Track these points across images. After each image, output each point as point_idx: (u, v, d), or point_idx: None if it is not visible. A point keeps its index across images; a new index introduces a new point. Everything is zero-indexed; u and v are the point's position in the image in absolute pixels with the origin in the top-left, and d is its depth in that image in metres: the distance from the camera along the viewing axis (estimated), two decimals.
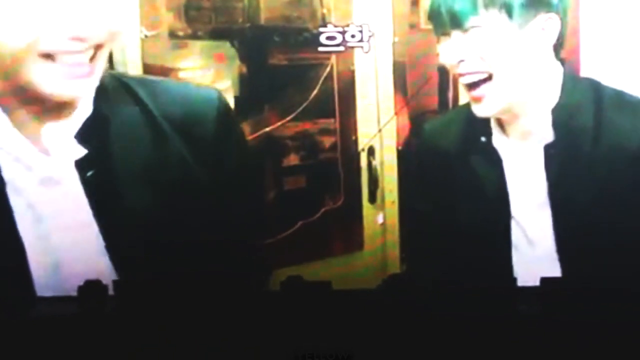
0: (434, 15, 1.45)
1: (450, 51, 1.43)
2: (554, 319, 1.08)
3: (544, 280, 1.24)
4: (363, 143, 2.19)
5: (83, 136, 1.02)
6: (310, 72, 2.14)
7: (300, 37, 2.09)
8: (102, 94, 1.04)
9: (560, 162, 1.44)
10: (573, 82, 1.48)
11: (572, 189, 1.45)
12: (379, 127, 2.18)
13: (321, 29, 1.98)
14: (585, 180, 1.43)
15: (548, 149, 1.45)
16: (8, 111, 0.96)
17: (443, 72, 2.20)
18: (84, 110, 1.02)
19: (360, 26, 1.97)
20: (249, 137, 2.05)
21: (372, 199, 2.20)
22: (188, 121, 1.08)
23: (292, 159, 2.17)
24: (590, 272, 1.40)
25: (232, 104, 2.08)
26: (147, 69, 1.93)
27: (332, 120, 2.19)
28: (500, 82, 1.41)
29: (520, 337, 1.04)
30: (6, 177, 1.03)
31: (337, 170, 2.21)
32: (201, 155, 1.06)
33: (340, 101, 2.18)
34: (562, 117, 1.44)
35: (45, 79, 0.88)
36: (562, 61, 1.49)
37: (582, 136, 1.44)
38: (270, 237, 1.90)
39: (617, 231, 1.41)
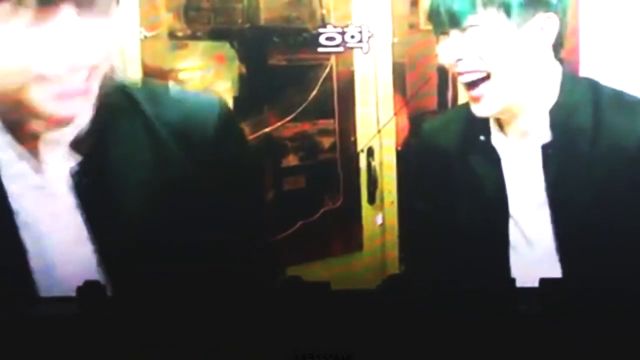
0: (433, 15, 1.45)
1: (449, 50, 1.43)
2: (553, 319, 1.08)
3: (543, 280, 1.24)
4: (362, 144, 2.19)
5: (78, 145, 1.02)
6: (309, 72, 2.14)
7: (299, 37, 2.09)
8: (101, 101, 1.03)
9: (558, 161, 1.45)
10: (572, 82, 1.48)
11: (570, 189, 1.45)
12: (378, 127, 2.19)
13: (320, 30, 1.98)
14: (583, 180, 1.43)
15: (546, 148, 1.45)
16: (8, 127, 0.96)
17: (442, 72, 2.20)
18: (81, 122, 1.01)
19: (360, 27, 1.97)
20: (249, 138, 2.05)
21: (372, 199, 2.20)
22: (188, 128, 1.07)
23: (292, 160, 2.17)
24: (589, 271, 1.40)
25: (231, 104, 2.08)
26: (147, 69, 1.93)
27: (331, 120, 2.19)
28: (498, 82, 1.41)
29: (520, 337, 1.04)
30: (7, 187, 1.02)
31: (337, 170, 2.21)
32: (201, 161, 1.06)
33: (340, 102, 2.18)
34: (560, 117, 1.44)
35: (41, 99, 0.87)
36: (561, 61, 1.49)
37: (580, 136, 1.44)
38: (270, 237, 1.90)
39: (616, 231, 1.41)
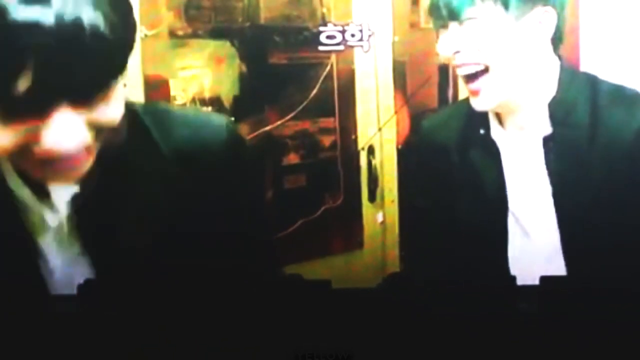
0: (433, 9, 1.45)
1: (448, 43, 1.44)
2: (553, 317, 1.08)
3: (543, 278, 1.25)
4: (363, 142, 2.19)
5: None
6: (310, 71, 2.14)
7: (300, 36, 2.10)
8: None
9: (558, 155, 1.45)
10: (570, 76, 1.48)
11: (570, 184, 1.45)
12: (378, 126, 2.19)
13: (321, 28, 1.98)
14: (583, 175, 1.44)
15: (545, 142, 1.45)
16: (13, 163, 0.95)
17: (443, 71, 2.20)
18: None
19: (360, 25, 1.97)
20: (249, 136, 2.05)
21: (372, 197, 2.21)
22: (195, 153, 1.05)
23: (292, 158, 2.17)
24: (590, 267, 1.40)
25: (232, 103, 2.09)
26: (147, 68, 1.93)
27: (332, 119, 2.19)
28: (497, 75, 1.42)
29: (521, 336, 1.04)
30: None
31: (337, 169, 2.21)
32: (207, 187, 1.04)
33: (340, 100, 2.19)
34: (559, 111, 1.45)
35: (42, 136, 0.86)
36: (560, 55, 1.49)
37: (579, 130, 1.44)
38: (270, 236, 1.90)
39: (618, 226, 1.41)
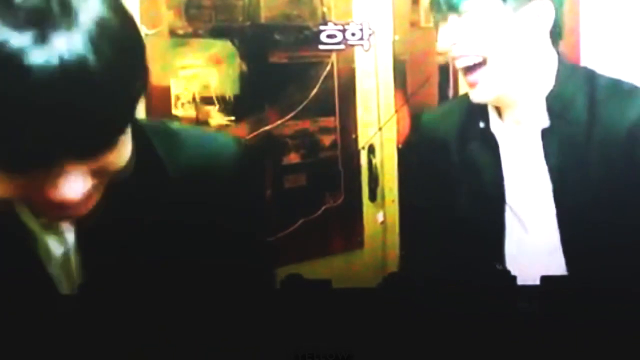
0: (433, 2, 1.46)
1: (446, 35, 1.45)
2: (554, 316, 1.08)
3: (544, 278, 1.24)
4: (363, 141, 2.19)
5: None
6: (310, 70, 2.14)
7: (300, 35, 2.09)
8: None
9: (556, 148, 1.45)
10: (568, 70, 1.49)
11: (568, 177, 1.45)
12: (379, 125, 2.19)
13: (321, 27, 1.98)
14: (582, 168, 1.44)
15: (543, 135, 1.46)
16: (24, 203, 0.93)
17: (443, 70, 2.20)
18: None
19: (361, 24, 1.97)
20: (250, 136, 2.05)
21: (373, 197, 2.21)
22: (202, 175, 1.03)
23: (293, 157, 2.17)
24: (590, 261, 1.41)
25: (232, 102, 2.09)
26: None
27: (332, 118, 2.19)
28: (494, 67, 1.42)
29: (521, 335, 1.04)
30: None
31: (338, 168, 2.21)
32: (213, 210, 1.03)
33: (341, 99, 2.18)
34: (556, 105, 1.45)
35: (44, 188, 0.84)
36: (558, 49, 1.49)
37: (577, 123, 1.45)
38: (271, 236, 1.90)
39: (618, 219, 1.41)
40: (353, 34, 1.96)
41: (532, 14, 1.41)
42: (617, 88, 1.47)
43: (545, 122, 1.45)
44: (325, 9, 2.11)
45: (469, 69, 1.43)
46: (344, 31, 1.96)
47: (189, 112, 2.05)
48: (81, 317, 0.97)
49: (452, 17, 1.42)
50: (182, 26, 2.02)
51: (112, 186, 0.87)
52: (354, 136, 2.19)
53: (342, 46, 1.98)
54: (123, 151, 0.85)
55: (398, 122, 2.20)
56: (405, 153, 2.16)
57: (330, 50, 2.06)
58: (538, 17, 1.42)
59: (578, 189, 1.43)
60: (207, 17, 2.05)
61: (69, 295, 0.97)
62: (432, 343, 1.00)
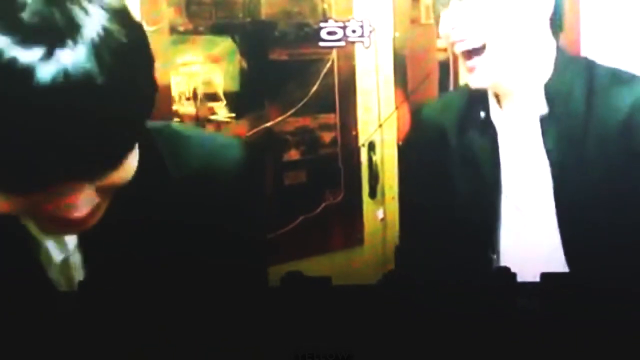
0: None
1: (447, 20, 1.46)
2: (554, 314, 1.08)
3: (544, 275, 1.25)
4: (363, 138, 2.19)
5: None
6: (310, 67, 2.14)
7: (300, 32, 2.09)
8: None
9: (554, 136, 1.46)
10: (566, 59, 1.49)
11: (566, 164, 1.46)
12: (379, 122, 2.18)
13: (322, 24, 1.98)
14: (578, 157, 1.45)
15: (542, 122, 1.47)
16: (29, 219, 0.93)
17: (444, 67, 2.19)
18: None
19: (361, 21, 1.97)
20: (250, 133, 2.05)
21: (373, 194, 2.20)
22: (204, 176, 1.03)
23: (293, 154, 2.17)
24: (590, 260, 1.41)
25: (232, 99, 2.09)
26: None
27: (332, 115, 2.19)
28: (493, 52, 1.43)
29: (521, 334, 1.04)
30: None
31: (338, 165, 2.21)
32: (215, 211, 1.02)
33: (341, 96, 2.18)
34: (554, 92, 1.46)
35: (49, 206, 0.84)
36: (557, 37, 1.50)
37: (575, 111, 1.45)
38: (270, 233, 1.90)
39: (616, 205, 1.42)
40: (353, 31, 1.96)
41: (532, 1, 1.42)
42: (616, 75, 1.48)
43: (544, 110, 1.45)
44: (325, 6, 2.11)
45: (468, 54, 1.44)
46: (344, 28, 1.96)
47: (190, 108, 2.05)
48: (81, 317, 0.97)
49: (453, 2, 1.43)
50: (182, 23, 2.02)
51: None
52: (354, 133, 2.19)
53: (342, 43, 1.98)
54: (129, 167, 0.84)
55: (398, 119, 2.19)
56: (406, 150, 2.16)
57: (331, 47, 2.06)
58: (538, 5, 1.42)
59: (576, 177, 1.44)
60: (207, 14, 2.05)
61: (68, 295, 0.97)
62: (432, 340, 1.00)
